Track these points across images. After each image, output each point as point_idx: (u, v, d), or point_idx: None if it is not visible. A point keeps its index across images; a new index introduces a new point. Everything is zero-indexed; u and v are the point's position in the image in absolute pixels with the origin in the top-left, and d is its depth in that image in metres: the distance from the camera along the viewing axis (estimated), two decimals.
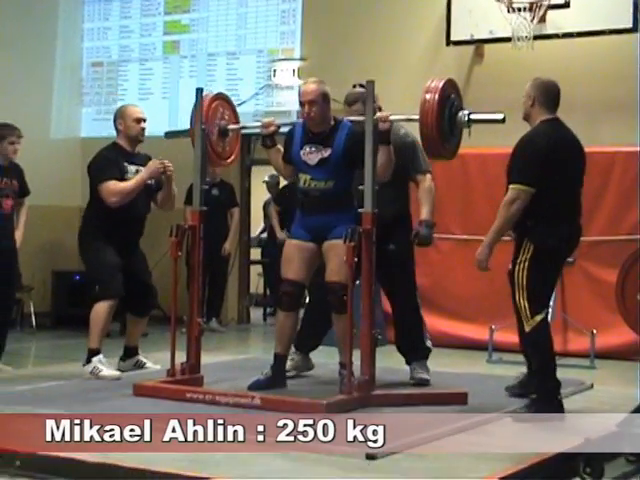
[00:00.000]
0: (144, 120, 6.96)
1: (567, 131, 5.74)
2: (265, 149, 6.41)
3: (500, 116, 5.76)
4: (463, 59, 9.87)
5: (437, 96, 5.64)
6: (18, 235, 7.60)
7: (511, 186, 5.52)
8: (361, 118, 6.01)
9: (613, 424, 4.88)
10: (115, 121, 6.99)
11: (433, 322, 8.96)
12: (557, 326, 8.66)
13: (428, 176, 6.47)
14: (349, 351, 5.65)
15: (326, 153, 6.05)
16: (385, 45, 10.30)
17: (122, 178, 6.77)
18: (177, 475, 4.24)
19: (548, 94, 5.73)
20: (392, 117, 5.82)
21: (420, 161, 6.43)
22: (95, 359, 6.67)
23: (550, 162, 5.55)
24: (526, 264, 5.52)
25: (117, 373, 6.67)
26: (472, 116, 5.76)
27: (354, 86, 6.53)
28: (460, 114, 5.75)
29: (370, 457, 4.52)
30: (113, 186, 6.70)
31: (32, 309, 10.48)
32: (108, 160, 6.83)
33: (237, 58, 11.30)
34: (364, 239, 5.62)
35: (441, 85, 5.69)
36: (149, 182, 6.85)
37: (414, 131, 6.08)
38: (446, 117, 5.70)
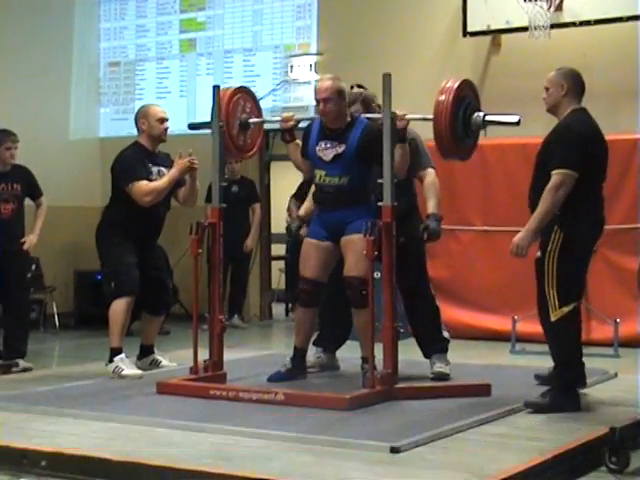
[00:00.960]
0: (167, 120, 6.98)
1: (596, 123, 5.72)
2: (285, 143, 6.42)
3: (515, 118, 5.76)
4: (480, 50, 9.84)
5: (451, 97, 5.63)
6: (31, 238, 7.61)
7: (555, 171, 5.43)
8: (379, 115, 6.02)
9: (638, 412, 4.86)
10: (137, 121, 7.00)
11: (455, 314, 8.98)
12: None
13: (431, 171, 6.44)
14: (371, 345, 5.65)
15: (340, 149, 6.06)
16: (401, 38, 10.28)
17: (148, 178, 6.79)
18: (202, 472, 4.25)
19: (578, 83, 5.70)
20: (408, 116, 5.82)
21: (422, 157, 6.42)
22: (117, 358, 6.69)
23: (588, 149, 5.53)
24: (556, 253, 5.47)
25: (139, 372, 6.68)
26: (487, 118, 5.75)
27: (352, 87, 6.53)
28: (475, 116, 5.73)
29: (394, 450, 4.52)
30: (145, 186, 6.72)
31: (55, 309, 10.52)
32: (135, 160, 6.84)
33: (254, 54, 11.31)
34: (384, 232, 5.62)
35: (456, 86, 5.67)
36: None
37: (420, 129, 6.05)
38: (460, 118, 5.68)
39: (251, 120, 6.61)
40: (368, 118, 6.16)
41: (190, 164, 6.75)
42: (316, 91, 6.13)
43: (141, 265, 6.81)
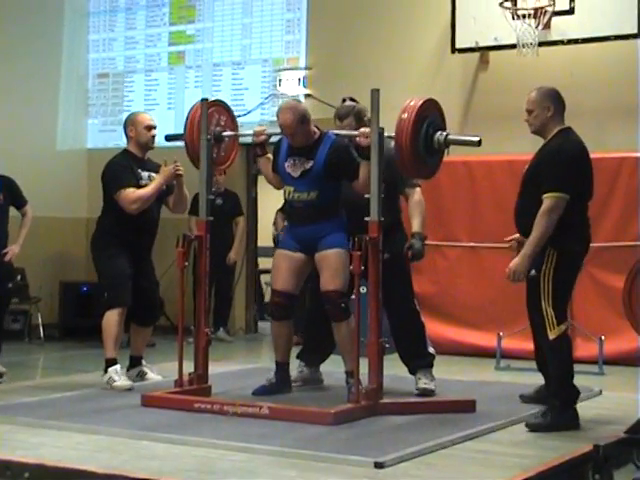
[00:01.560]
0: (154, 127, 7.01)
1: (582, 142, 5.74)
2: (256, 157, 6.45)
3: (476, 139, 5.77)
4: (468, 66, 9.88)
5: (413, 115, 5.63)
6: (13, 248, 7.69)
7: (548, 194, 5.45)
8: (345, 132, 6.14)
9: (622, 430, 4.87)
10: (126, 128, 7.03)
11: (440, 329, 8.98)
12: None
13: (417, 189, 6.44)
14: (356, 359, 5.65)
15: (308, 165, 6.10)
16: (390, 53, 10.32)
17: (137, 184, 6.81)
18: None
19: (561, 102, 5.72)
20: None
21: None
22: (111, 369, 6.70)
23: (580, 170, 5.56)
24: (552, 273, 5.49)
25: (129, 384, 6.67)
26: (449, 137, 5.76)
27: (344, 100, 6.54)
28: (437, 134, 5.74)
29: (378, 465, 4.52)
30: (132, 194, 6.74)
31: (40, 320, 10.49)
32: (123, 167, 6.86)
33: (242, 68, 11.33)
34: (370, 248, 5.62)
35: (419, 104, 5.68)
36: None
37: None
38: (421, 138, 5.68)
39: (225, 133, 6.61)
40: (336, 134, 6.19)
41: (175, 171, 6.76)
42: (279, 124, 6.10)
43: (133, 275, 6.82)
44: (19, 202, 7.89)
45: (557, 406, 5.50)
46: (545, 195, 5.47)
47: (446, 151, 5.86)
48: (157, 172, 6.90)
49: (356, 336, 5.66)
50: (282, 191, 6.32)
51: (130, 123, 7.02)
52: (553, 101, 5.67)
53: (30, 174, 10.31)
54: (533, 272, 5.58)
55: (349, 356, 5.92)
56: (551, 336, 5.50)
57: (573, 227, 5.55)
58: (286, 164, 6.18)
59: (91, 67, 12.22)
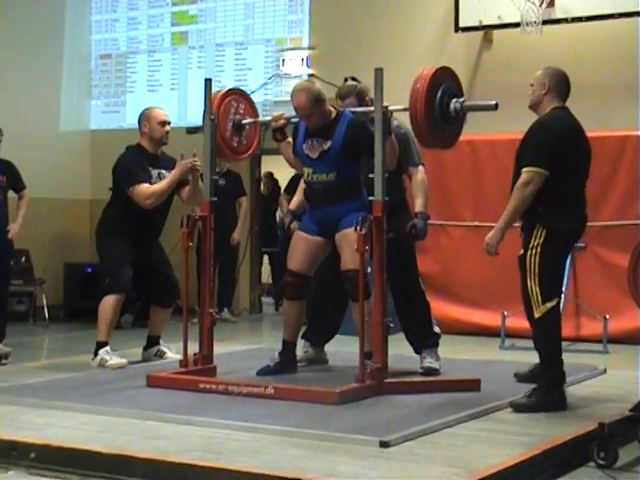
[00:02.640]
0: (168, 123, 7.04)
1: (578, 122, 5.72)
2: (276, 142, 6.41)
3: (492, 103, 5.74)
4: (472, 45, 9.85)
5: (426, 84, 5.61)
6: (14, 227, 7.88)
7: (525, 169, 5.47)
8: (362, 109, 6.08)
9: (626, 408, 4.87)
10: (140, 123, 7.07)
11: (445, 309, 8.99)
12: (569, 311, 8.66)
13: (421, 168, 6.42)
14: (362, 339, 5.65)
15: (326, 146, 6.05)
16: (393, 32, 10.28)
17: (148, 182, 6.85)
18: (191, 465, 4.25)
19: (562, 83, 5.69)
20: (390, 107, 5.80)
21: (413, 153, 6.40)
22: (102, 351, 6.78)
23: (565, 147, 5.52)
24: (538, 249, 5.48)
25: (123, 361, 6.77)
26: (465, 104, 5.74)
27: (345, 80, 6.52)
28: (453, 102, 5.71)
29: (384, 444, 4.53)
30: (146, 189, 6.79)
31: (45, 302, 10.50)
32: (136, 163, 6.90)
33: (245, 48, 11.30)
34: (375, 227, 5.62)
35: (431, 73, 5.66)
36: None
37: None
38: (437, 106, 5.65)
39: (244, 121, 6.60)
40: (353, 112, 6.15)
41: (192, 166, 6.76)
42: (294, 106, 6.07)
43: (145, 260, 6.91)
44: (18, 186, 8.10)
45: (542, 387, 5.48)
46: (523, 169, 5.47)
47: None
48: (171, 168, 6.92)
49: (361, 316, 5.66)
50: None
51: (144, 118, 7.05)
52: (551, 80, 5.65)
53: (33, 156, 10.33)
54: (521, 251, 5.59)
55: (369, 337, 5.88)
56: (536, 314, 5.49)
57: (563, 205, 5.53)
58: (304, 146, 6.14)
59: (94, 48, 12.19)
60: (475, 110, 5.90)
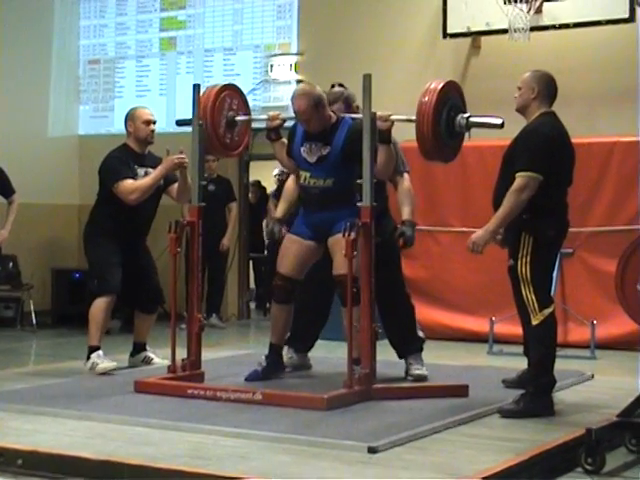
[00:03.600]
0: (154, 122, 7.03)
1: (564, 127, 5.73)
2: (270, 142, 6.41)
3: (499, 121, 5.75)
4: (460, 51, 9.87)
5: (435, 98, 5.62)
6: (2, 233, 7.98)
7: (520, 174, 5.44)
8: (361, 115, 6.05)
9: (614, 414, 4.88)
10: (125, 123, 7.06)
11: (433, 314, 9.00)
12: (557, 317, 8.63)
13: (406, 176, 6.44)
14: (350, 345, 5.65)
15: (325, 151, 6.04)
16: (381, 38, 10.29)
17: (134, 179, 6.83)
18: (179, 471, 4.24)
19: (550, 88, 5.71)
20: (393, 117, 5.82)
21: (398, 161, 6.41)
22: (94, 355, 6.75)
23: (554, 153, 5.53)
24: (528, 258, 5.47)
25: (113, 364, 6.74)
26: (471, 119, 5.75)
27: (332, 86, 6.52)
28: (459, 117, 5.73)
29: (372, 450, 4.53)
30: (130, 184, 6.78)
31: (32, 307, 10.47)
32: (120, 161, 6.89)
33: (234, 54, 11.30)
34: (362, 232, 5.62)
35: (440, 87, 5.67)
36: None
37: (396, 131, 6.05)
38: (443, 120, 5.67)
39: (237, 118, 6.61)
40: (353, 118, 6.15)
41: (179, 162, 6.75)
42: (294, 110, 6.06)
43: (129, 265, 6.87)
44: (7, 191, 8.16)
45: (531, 393, 5.48)
46: (517, 174, 5.47)
47: (467, 134, 5.85)
48: (156, 166, 6.90)
49: (349, 321, 5.66)
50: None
51: (129, 118, 7.04)
52: (540, 84, 5.66)
53: (22, 161, 10.32)
54: (511, 262, 5.59)
55: (358, 341, 5.87)
56: (534, 322, 5.49)
57: (548, 212, 5.54)
58: (302, 149, 6.12)
59: (82, 53, 12.17)
60: (480, 127, 5.90)
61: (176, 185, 6.96)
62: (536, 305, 5.46)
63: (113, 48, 12.05)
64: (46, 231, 11.32)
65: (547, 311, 5.47)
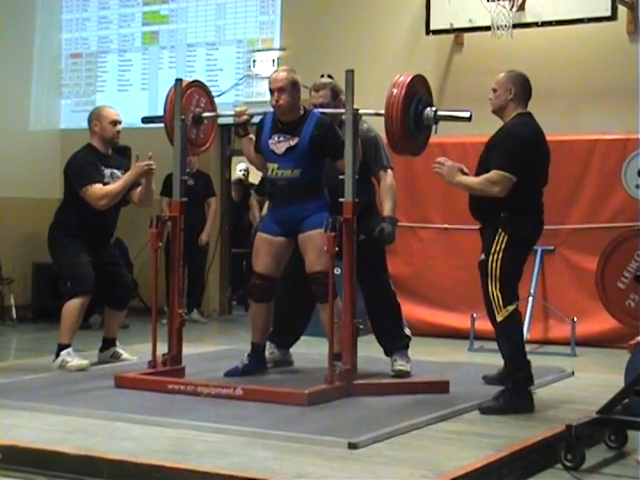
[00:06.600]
0: (119, 122, 6.94)
1: (540, 127, 5.75)
2: (238, 138, 6.42)
3: (467, 114, 5.81)
4: (443, 48, 9.88)
5: (403, 91, 5.64)
6: None
7: (495, 171, 5.48)
8: (331, 111, 6.14)
9: (594, 411, 4.90)
10: (90, 122, 6.96)
11: (414, 311, 9.00)
12: (538, 314, 8.72)
13: (389, 172, 6.44)
14: (331, 340, 5.65)
15: (293, 142, 6.05)
16: (365, 35, 10.30)
17: (101, 182, 6.76)
18: (159, 466, 4.23)
19: (526, 88, 5.73)
20: (361, 111, 5.83)
21: (382, 157, 6.41)
22: (63, 352, 6.72)
23: (531, 154, 5.55)
24: (500, 254, 5.51)
25: (85, 362, 6.70)
26: (439, 112, 5.77)
27: (322, 76, 6.54)
28: (427, 110, 5.75)
29: (352, 446, 4.53)
30: (99, 190, 6.71)
31: (12, 302, 10.43)
32: (88, 163, 6.81)
33: (216, 49, 11.28)
34: (345, 229, 5.62)
35: (408, 80, 5.68)
36: None
37: (379, 126, 6.06)
38: (412, 113, 5.69)
39: (204, 114, 6.61)
40: (323, 113, 6.16)
41: (148, 168, 6.71)
42: (271, 81, 6.10)
43: (98, 262, 6.82)
44: None
45: (510, 389, 5.51)
46: (494, 170, 5.49)
47: (434, 129, 5.87)
48: (120, 167, 6.88)
49: (330, 317, 5.66)
50: (254, 172, 6.30)
51: (95, 117, 6.95)
52: (516, 85, 5.69)
53: (3, 155, 10.29)
54: (482, 256, 5.61)
55: (329, 336, 5.88)
56: (499, 318, 5.53)
57: (526, 212, 5.58)
58: (270, 141, 6.13)
59: (64, 47, 12.13)
60: (448, 120, 5.93)
61: (138, 189, 6.88)
62: (500, 302, 5.50)
63: (95, 42, 12.00)
64: (27, 225, 11.26)
65: (511, 307, 5.52)
